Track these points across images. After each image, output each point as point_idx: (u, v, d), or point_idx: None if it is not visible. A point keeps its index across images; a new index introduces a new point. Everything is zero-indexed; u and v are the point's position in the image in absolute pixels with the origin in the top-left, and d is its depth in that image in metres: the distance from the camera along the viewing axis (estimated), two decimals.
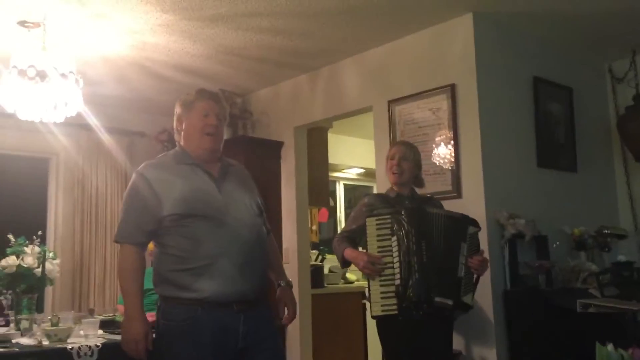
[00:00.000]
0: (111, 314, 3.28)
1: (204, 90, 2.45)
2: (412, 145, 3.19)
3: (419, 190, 3.10)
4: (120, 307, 3.61)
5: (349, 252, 2.87)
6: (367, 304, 5.17)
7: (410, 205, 2.84)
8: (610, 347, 1.22)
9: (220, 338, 2.20)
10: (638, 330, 2.84)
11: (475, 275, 2.77)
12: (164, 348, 2.24)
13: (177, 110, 2.42)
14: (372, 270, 2.71)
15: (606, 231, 3.88)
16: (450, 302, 2.66)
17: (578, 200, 4.11)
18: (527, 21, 3.78)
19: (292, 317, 2.51)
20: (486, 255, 3.34)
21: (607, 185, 4.45)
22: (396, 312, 2.64)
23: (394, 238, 2.70)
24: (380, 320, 2.78)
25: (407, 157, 3.00)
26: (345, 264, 2.95)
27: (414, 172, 3.02)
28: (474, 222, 2.85)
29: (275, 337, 2.41)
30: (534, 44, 4.02)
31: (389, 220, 2.72)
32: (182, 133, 2.39)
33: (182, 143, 2.40)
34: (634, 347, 1.24)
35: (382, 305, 2.66)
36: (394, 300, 2.65)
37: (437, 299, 2.64)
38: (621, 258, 3.69)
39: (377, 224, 2.73)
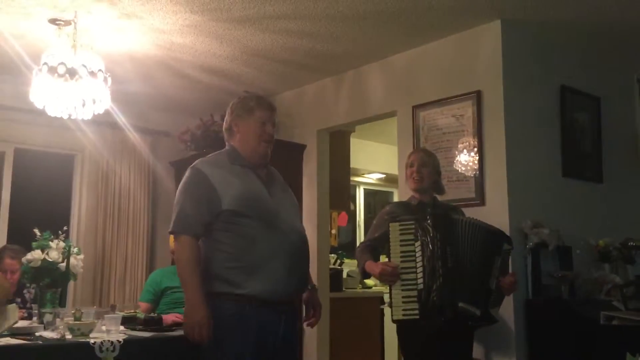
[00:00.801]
0: (132, 311, 3.30)
1: (262, 98, 2.59)
2: (430, 152, 3.24)
3: (440, 198, 3.10)
4: (142, 304, 3.65)
5: (369, 265, 2.88)
6: (386, 309, 5.18)
7: (435, 212, 2.84)
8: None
9: (263, 334, 2.32)
10: None
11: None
12: (212, 341, 2.31)
13: (235, 111, 2.51)
14: (390, 276, 2.71)
15: (631, 243, 3.82)
16: (477, 311, 2.66)
17: (603, 211, 4.05)
18: (556, 30, 3.75)
19: (318, 319, 2.62)
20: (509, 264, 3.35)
21: (633, 196, 4.38)
22: (417, 316, 2.64)
23: (418, 243, 2.70)
24: (402, 326, 2.78)
25: (426, 164, 3.03)
26: (365, 275, 2.97)
27: (433, 178, 3.04)
28: (509, 240, 2.87)
29: (297, 337, 2.59)
30: (562, 53, 3.98)
31: (412, 226, 2.73)
32: (238, 135, 2.49)
33: (234, 144, 2.49)
34: None
35: (403, 310, 2.66)
36: (416, 305, 2.64)
37: (461, 305, 2.63)
38: None
39: (400, 230, 2.74)
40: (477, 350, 3.28)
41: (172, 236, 3.81)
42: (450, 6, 3.44)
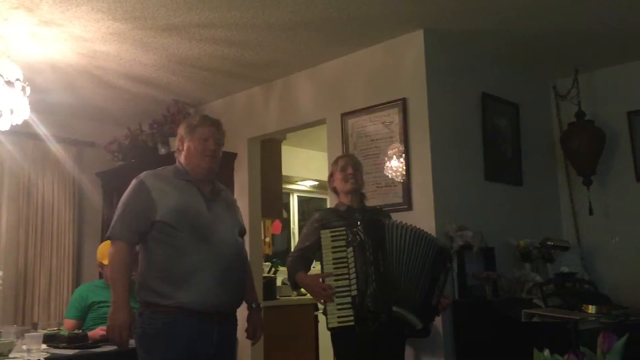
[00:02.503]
0: (56, 328, 3.19)
1: (206, 116, 2.71)
2: (352, 154, 3.34)
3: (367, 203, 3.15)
4: (67, 322, 3.53)
5: (300, 277, 2.90)
6: (320, 317, 5.20)
7: (365, 217, 2.87)
8: (546, 352, 1.27)
9: (195, 344, 2.40)
10: (579, 338, 2.93)
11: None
12: (142, 353, 2.41)
13: (181, 131, 2.66)
14: (327, 297, 2.72)
15: (550, 243, 4.00)
16: (420, 324, 2.74)
17: (523, 213, 4.23)
18: (476, 39, 3.89)
19: (259, 337, 2.75)
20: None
21: (551, 198, 4.60)
22: (352, 323, 2.65)
23: (350, 249, 2.71)
24: (336, 333, 2.78)
25: (358, 166, 3.08)
26: (295, 286, 2.97)
27: (362, 184, 3.09)
28: (451, 258, 3.08)
29: (235, 347, 2.65)
30: (483, 61, 4.15)
31: (343, 232, 2.74)
32: (183, 152, 2.62)
33: (182, 161, 2.62)
34: (569, 353, 1.29)
35: (338, 317, 2.67)
36: (351, 312, 2.65)
37: (395, 309, 2.65)
38: (564, 269, 3.81)
39: (332, 236, 2.75)
40: (408, 352, 3.33)
41: (99, 249, 3.77)
42: (375, 16, 3.52)
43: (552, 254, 3.99)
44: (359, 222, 2.77)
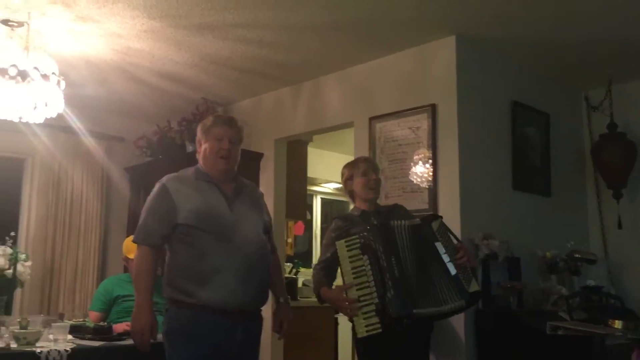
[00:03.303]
0: (81, 319, 3.23)
1: (219, 116, 2.76)
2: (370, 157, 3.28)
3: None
4: (91, 314, 3.57)
5: (325, 293, 2.86)
6: (340, 319, 5.19)
7: (374, 222, 2.83)
8: None
9: (219, 341, 2.44)
10: (605, 353, 2.89)
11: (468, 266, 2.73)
12: (168, 347, 2.47)
13: (198, 133, 2.68)
14: (352, 311, 2.67)
15: (577, 255, 3.95)
16: (462, 302, 2.63)
17: (551, 224, 4.18)
18: (508, 46, 3.86)
19: (286, 331, 2.77)
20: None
21: (579, 210, 4.54)
22: (380, 330, 2.62)
23: (365, 257, 2.68)
24: (360, 340, 2.76)
25: (377, 170, 3.05)
26: (322, 301, 2.92)
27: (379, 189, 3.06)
28: (434, 216, 2.84)
29: (259, 346, 2.66)
30: (514, 69, 4.11)
31: (357, 240, 2.70)
32: (200, 154, 2.65)
33: (200, 162, 2.65)
34: None
35: (366, 326, 2.63)
36: (377, 319, 2.62)
37: (415, 312, 2.61)
38: (590, 282, 3.77)
39: (347, 246, 2.71)
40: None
41: (125, 242, 3.82)
42: (407, 20, 3.52)
43: (579, 266, 3.94)
44: (367, 230, 2.73)
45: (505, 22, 3.52)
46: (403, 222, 2.75)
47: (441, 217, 2.84)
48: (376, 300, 2.63)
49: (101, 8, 3.39)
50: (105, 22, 3.58)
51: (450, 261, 2.68)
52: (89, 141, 5.21)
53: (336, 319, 5.34)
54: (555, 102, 4.43)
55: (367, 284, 2.66)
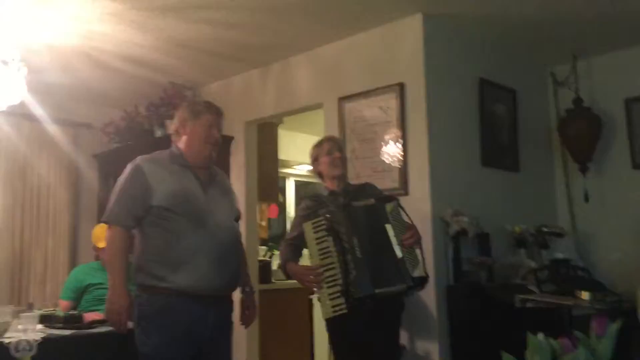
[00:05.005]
0: (51, 309, 3.19)
1: (211, 103, 2.72)
2: (334, 136, 3.29)
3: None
4: (62, 303, 3.54)
5: (290, 268, 2.89)
6: (314, 300, 5.23)
7: (341, 202, 2.85)
8: (540, 336, 1.27)
9: (191, 327, 2.43)
10: (573, 324, 2.96)
11: (418, 249, 2.75)
12: (140, 333, 2.44)
13: (183, 114, 2.64)
14: (315, 282, 2.71)
15: (545, 229, 4.02)
16: (403, 285, 2.65)
17: (519, 199, 4.24)
18: (475, 24, 3.87)
19: (252, 320, 2.80)
20: (430, 251, 3.44)
21: (547, 185, 4.61)
22: (346, 310, 2.64)
23: (331, 238, 2.70)
24: (329, 320, 2.78)
25: (341, 149, 3.06)
26: (288, 275, 2.96)
27: (346, 167, 3.06)
28: (389, 198, 2.84)
29: (231, 330, 2.67)
30: (481, 46, 4.13)
31: (323, 222, 2.72)
32: (185, 137, 2.60)
33: (180, 145, 2.61)
34: (563, 337, 1.29)
35: (332, 307, 2.65)
36: (342, 300, 2.64)
37: (377, 291, 2.63)
38: (559, 255, 3.83)
39: (313, 228, 2.73)
40: (402, 336, 3.35)
41: (94, 231, 3.77)
42: None
43: (547, 240, 4.00)
44: (330, 212, 2.74)
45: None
46: (361, 203, 2.77)
47: (397, 199, 2.85)
48: (340, 281, 2.65)
49: None
50: (66, 6, 3.49)
51: (398, 244, 2.69)
52: (54, 129, 5.11)
53: (310, 300, 5.37)
54: (522, 79, 4.47)
55: (332, 265, 2.68)
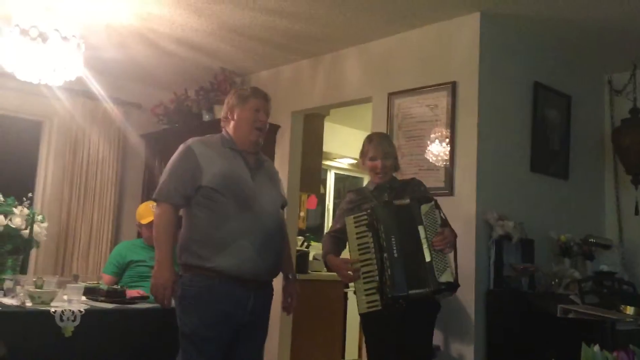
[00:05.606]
0: (95, 282, 3.27)
1: (258, 89, 2.75)
2: (387, 136, 3.24)
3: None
4: (104, 277, 3.62)
5: (330, 259, 2.89)
6: (349, 293, 5.22)
7: (385, 199, 2.84)
8: (596, 348, 1.23)
9: (230, 309, 2.47)
10: (616, 338, 2.88)
11: (450, 253, 2.69)
12: (180, 312, 2.48)
13: (231, 100, 2.68)
14: (353, 278, 2.71)
15: (592, 240, 3.92)
16: (427, 290, 2.61)
17: (566, 207, 4.15)
18: (533, 26, 3.79)
19: (292, 307, 2.80)
20: (472, 254, 3.39)
21: (596, 195, 4.49)
22: (380, 307, 2.64)
23: (370, 234, 2.70)
24: (364, 315, 2.78)
25: (387, 155, 2.96)
26: (327, 266, 2.98)
27: (395, 165, 3.01)
28: (426, 199, 2.75)
29: (268, 317, 2.68)
30: (538, 49, 4.04)
31: (365, 218, 2.72)
32: (233, 122, 2.65)
33: (229, 130, 2.66)
34: (619, 350, 1.26)
35: (367, 303, 2.66)
36: (377, 296, 2.64)
37: (411, 292, 2.61)
38: (604, 268, 3.74)
39: (354, 222, 2.74)
40: (437, 337, 3.35)
41: (138, 209, 3.84)
42: None
43: (593, 251, 3.91)
44: (371, 208, 2.73)
45: (531, 0, 3.44)
46: (400, 202, 2.74)
47: (435, 200, 2.78)
48: (377, 279, 2.65)
49: None
50: None
51: (427, 247, 2.64)
52: (107, 106, 5.21)
53: (346, 293, 5.37)
54: (578, 85, 4.35)
55: (370, 261, 2.68)
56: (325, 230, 6.61)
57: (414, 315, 2.73)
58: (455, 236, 2.77)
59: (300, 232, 5.82)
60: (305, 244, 5.83)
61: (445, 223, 2.74)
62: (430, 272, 2.62)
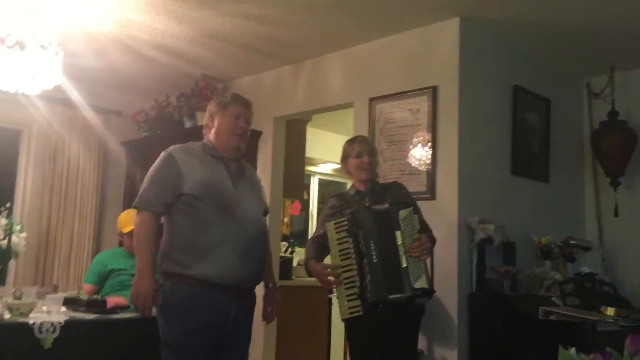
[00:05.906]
0: (75, 292, 3.23)
1: (238, 95, 2.75)
2: (368, 137, 3.28)
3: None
4: (85, 286, 3.58)
5: (312, 265, 2.89)
6: (334, 299, 5.21)
7: (366, 204, 2.85)
8: (572, 351, 1.24)
9: (213, 317, 2.45)
10: (597, 340, 2.90)
11: (425, 260, 2.68)
12: (162, 322, 2.47)
13: (212, 108, 2.69)
14: (334, 284, 2.72)
15: (572, 242, 3.95)
16: (404, 295, 2.61)
17: (547, 210, 4.18)
18: (512, 30, 3.82)
19: (274, 316, 2.81)
20: (454, 257, 3.41)
21: (576, 197, 4.54)
22: (361, 312, 2.65)
23: (351, 240, 2.70)
24: (347, 321, 2.78)
25: (373, 152, 3.00)
26: (308, 272, 2.96)
27: (378, 165, 3.03)
28: (404, 204, 2.75)
29: (251, 324, 2.67)
30: (517, 53, 4.08)
31: (345, 223, 2.73)
32: (213, 129, 2.65)
33: (211, 137, 2.65)
34: (595, 353, 1.26)
35: (349, 308, 2.67)
36: (359, 302, 2.65)
37: (391, 297, 2.61)
38: (584, 269, 3.77)
39: (335, 228, 2.75)
40: (420, 341, 3.34)
41: (119, 217, 3.81)
42: (411, 1, 3.47)
43: (574, 253, 3.94)
44: (351, 213, 2.74)
45: (510, 5, 3.48)
46: (379, 207, 2.75)
47: (414, 204, 2.81)
48: (357, 284, 2.65)
49: None
50: None
51: (403, 252, 2.64)
52: (86, 114, 5.17)
53: (330, 298, 5.36)
54: (557, 88, 4.40)
55: (351, 267, 2.68)
56: (310, 236, 6.62)
57: (399, 320, 2.73)
58: (434, 241, 2.79)
59: (284, 238, 5.80)
60: (289, 249, 5.81)
61: (424, 228, 2.76)
62: (405, 277, 2.62)
